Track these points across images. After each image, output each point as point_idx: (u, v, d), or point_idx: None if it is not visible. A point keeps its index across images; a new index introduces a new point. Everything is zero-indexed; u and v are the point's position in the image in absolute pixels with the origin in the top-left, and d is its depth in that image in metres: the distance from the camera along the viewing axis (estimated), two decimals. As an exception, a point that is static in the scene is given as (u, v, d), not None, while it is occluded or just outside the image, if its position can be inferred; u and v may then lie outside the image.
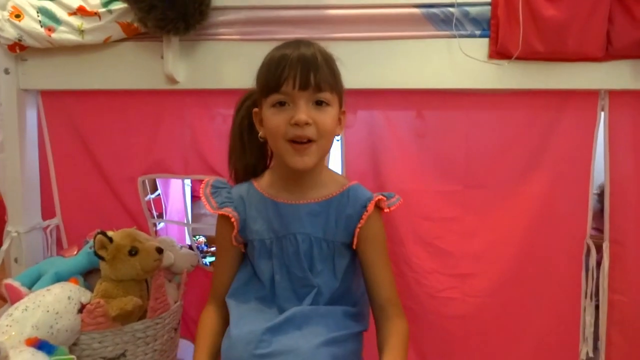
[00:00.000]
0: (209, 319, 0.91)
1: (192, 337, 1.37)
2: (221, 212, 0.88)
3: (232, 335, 0.80)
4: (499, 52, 1.06)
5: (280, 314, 0.84)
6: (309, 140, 0.80)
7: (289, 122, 0.79)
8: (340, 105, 0.86)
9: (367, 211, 0.85)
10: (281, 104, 0.80)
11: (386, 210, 0.87)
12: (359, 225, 0.85)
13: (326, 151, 0.86)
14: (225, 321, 0.89)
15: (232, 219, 0.87)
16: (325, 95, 0.80)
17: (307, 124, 0.78)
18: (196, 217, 1.93)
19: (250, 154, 0.94)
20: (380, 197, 0.86)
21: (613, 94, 1.08)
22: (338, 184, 0.90)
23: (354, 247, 0.87)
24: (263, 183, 0.91)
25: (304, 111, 0.79)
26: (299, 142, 0.80)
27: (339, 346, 0.80)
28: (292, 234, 0.87)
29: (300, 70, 0.78)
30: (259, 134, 0.88)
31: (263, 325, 0.79)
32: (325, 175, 0.90)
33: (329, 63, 0.82)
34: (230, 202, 0.89)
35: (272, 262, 0.88)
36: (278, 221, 0.88)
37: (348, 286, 0.90)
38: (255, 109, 0.88)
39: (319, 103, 0.81)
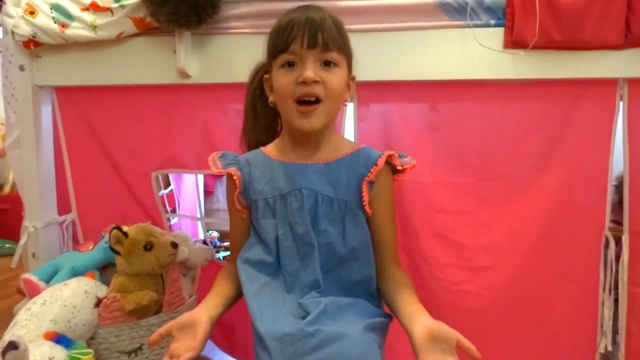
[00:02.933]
0: (226, 271, 0.92)
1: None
2: (225, 170, 0.88)
3: (266, 336, 0.74)
4: (514, 42, 1.04)
5: (287, 282, 0.83)
6: (317, 100, 0.81)
7: (296, 81, 0.80)
8: (350, 70, 0.87)
9: (377, 165, 0.84)
10: (290, 64, 0.81)
11: (399, 167, 0.86)
12: (367, 179, 0.84)
13: (333, 114, 0.85)
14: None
15: (235, 177, 0.87)
16: (333, 55, 0.82)
17: (315, 82, 0.79)
18: (209, 212, 1.94)
19: (263, 124, 0.95)
20: (391, 152, 0.86)
21: (632, 82, 1.05)
22: (348, 146, 0.90)
23: (365, 203, 0.85)
24: (270, 147, 0.92)
25: (311, 68, 0.79)
26: (306, 103, 0.81)
27: (376, 332, 0.79)
28: (298, 189, 0.86)
29: (308, 30, 0.79)
30: (269, 100, 0.88)
31: (294, 323, 0.75)
32: (334, 139, 0.90)
33: (338, 25, 0.83)
34: (235, 162, 0.90)
35: (276, 220, 0.87)
36: (284, 179, 0.87)
37: (370, 267, 0.87)
38: (266, 75, 0.89)
39: (327, 64, 0.82)
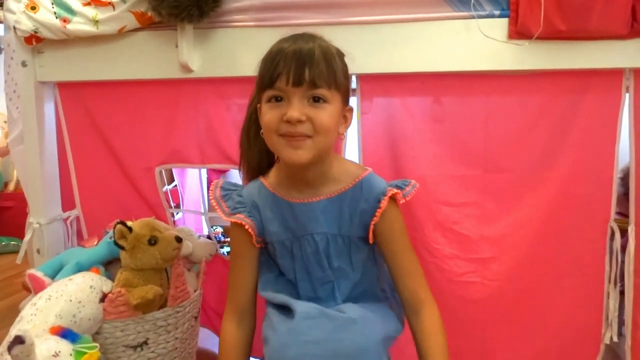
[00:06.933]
0: (229, 336, 0.90)
1: (211, 326, 1.39)
2: (234, 219, 0.86)
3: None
4: (519, 32, 1.03)
5: None
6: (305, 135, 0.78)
7: (281, 119, 0.77)
8: (345, 102, 0.83)
9: (380, 208, 0.83)
10: (277, 99, 0.78)
11: (402, 201, 0.85)
12: (373, 222, 0.84)
13: (324, 148, 0.80)
14: (246, 333, 0.91)
15: (247, 227, 0.85)
16: (322, 92, 0.77)
17: (299, 121, 0.76)
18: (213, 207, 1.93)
19: (254, 149, 0.91)
20: (395, 191, 0.83)
21: (638, 72, 1.04)
22: (351, 175, 0.87)
23: (370, 242, 0.86)
24: (272, 181, 0.89)
25: (296, 108, 0.76)
26: (293, 136, 0.77)
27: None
28: (310, 234, 0.86)
29: (294, 66, 0.75)
30: (261, 130, 0.85)
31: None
32: (336, 169, 0.87)
33: (328, 58, 0.78)
34: (242, 206, 0.88)
35: (294, 262, 0.88)
36: (294, 221, 0.86)
37: (370, 279, 0.90)
38: (258, 105, 0.85)
39: (316, 99, 0.77)
